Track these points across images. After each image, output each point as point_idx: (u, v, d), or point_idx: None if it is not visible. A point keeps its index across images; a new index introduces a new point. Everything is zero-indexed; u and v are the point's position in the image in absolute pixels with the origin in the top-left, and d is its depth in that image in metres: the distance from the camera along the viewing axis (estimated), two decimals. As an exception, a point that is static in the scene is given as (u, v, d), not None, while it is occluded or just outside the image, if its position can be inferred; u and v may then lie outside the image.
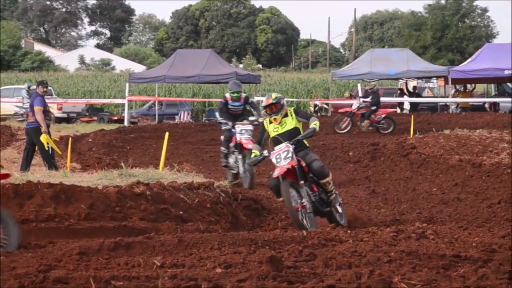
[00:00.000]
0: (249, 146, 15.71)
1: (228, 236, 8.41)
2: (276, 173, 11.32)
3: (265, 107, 11.91)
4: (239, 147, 16.51)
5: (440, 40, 67.46)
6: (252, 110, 17.50)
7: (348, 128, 28.12)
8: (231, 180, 15.97)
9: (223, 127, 17.02)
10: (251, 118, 17.16)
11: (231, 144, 16.81)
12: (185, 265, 7.08)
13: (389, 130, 27.84)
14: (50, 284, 6.27)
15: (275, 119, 11.73)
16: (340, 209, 11.84)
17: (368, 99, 28.52)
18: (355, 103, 28.88)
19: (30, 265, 7.05)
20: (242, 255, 7.44)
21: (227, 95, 17.01)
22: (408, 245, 8.18)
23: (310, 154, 11.59)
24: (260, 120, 16.07)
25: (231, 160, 16.92)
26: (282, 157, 11.33)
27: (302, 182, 11.30)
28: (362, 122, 28.31)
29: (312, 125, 11.51)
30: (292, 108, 12.07)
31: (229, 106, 16.97)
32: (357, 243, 8.29)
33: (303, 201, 11.18)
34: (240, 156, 16.54)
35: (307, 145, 11.78)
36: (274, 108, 11.83)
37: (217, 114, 16.30)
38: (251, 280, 6.41)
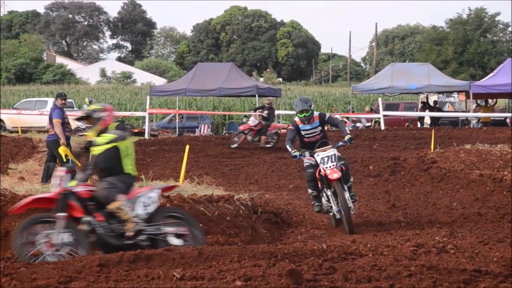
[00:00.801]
0: (335, 176, 12.51)
1: (248, 249, 8.41)
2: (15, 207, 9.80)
3: (78, 119, 10.68)
4: (326, 180, 12.81)
5: (462, 55, 67.26)
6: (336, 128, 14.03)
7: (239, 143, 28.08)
8: (336, 226, 13.02)
9: (305, 163, 13.14)
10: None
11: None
12: (205, 277, 7.08)
13: (273, 144, 28.30)
14: (71, 295, 6.30)
15: (85, 135, 10.36)
16: (174, 241, 10.00)
17: (265, 114, 28.80)
18: (252, 119, 28.60)
19: (51, 277, 7.08)
20: (262, 268, 7.44)
21: (296, 118, 13.15)
22: (429, 259, 8.15)
23: (105, 180, 10.05)
24: (347, 138, 12.88)
25: (324, 200, 13.11)
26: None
27: (59, 214, 9.46)
28: (255, 137, 28.23)
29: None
30: (117, 123, 10.47)
31: (303, 133, 13.19)
32: (377, 257, 8.27)
33: (52, 238, 9.37)
34: (329, 192, 12.85)
35: (123, 169, 10.35)
36: (89, 122, 10.37)
37: (287, 146, 13.11)
38: (271, 293, 6.41)
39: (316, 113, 13.17)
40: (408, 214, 14.27)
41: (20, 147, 27.01)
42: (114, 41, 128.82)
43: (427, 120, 41.38)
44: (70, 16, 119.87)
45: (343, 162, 12.92)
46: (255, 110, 30.37)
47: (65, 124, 17.16)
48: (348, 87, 69.38)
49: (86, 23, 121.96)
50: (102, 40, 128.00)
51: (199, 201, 12.18)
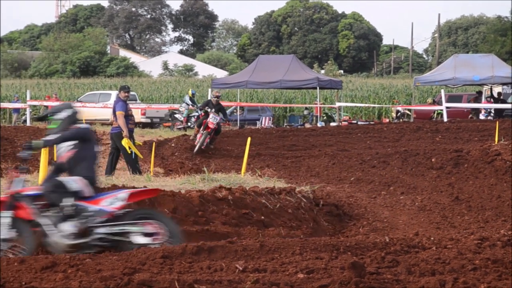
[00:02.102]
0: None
1: (310, 242, 8.40)
2: None
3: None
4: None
5: (527, 45, 66.08)
6: None
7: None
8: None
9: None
10: None
11: None
12: (267, 270, 7.10)
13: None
14: (135, 286, 6.37)
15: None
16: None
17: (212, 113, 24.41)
18: (213, 116, 24.09)
19: (115, 268, 7.17)
20: (324, 260, 7.43)
21: None
22: (494, 253, 8.04)
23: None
24: None
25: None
26: None
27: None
28: (211, 142, 24.32)
29: None
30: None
31: None
32: (441, 250, 8.19)
33: None
34: None
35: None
36: None
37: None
38: (334, 285, 6.40)
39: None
40: (472, 207, 14.11)
41: (85, 139, 27.35)
42: (176, 34, 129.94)
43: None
44: (133, 9, 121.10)
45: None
46: (200, 108, 26.09)
47: (128, 116, 17.29)
48: (410, 78, 68.79)
49: (149, 16, 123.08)
50: (164, 33, 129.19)
51: (261, 193, 12.21)
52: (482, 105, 40.39)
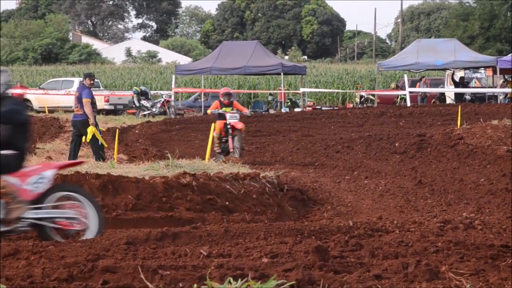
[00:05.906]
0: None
1: (274, 226, 8.42)
2: None
3: None
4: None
5: (488, 30, 66.50)
6: None
7: None
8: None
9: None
10: None
11: None
12: (232, 255, 7.10)
13: None
14: (99, 273, 6.32)
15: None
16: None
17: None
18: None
19: (79, 255, 7.12)
20: (288, 245, 7.44)
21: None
22: (456, 235, 8.12)
23: None
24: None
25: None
26: None
27: None
28: None
29: None
30: None
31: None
32: (404, 233, 8.25)
33: None
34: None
35: None
36: None
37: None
38: (297, 269, 6.40)
39: None
40: (435, 191, 14.22)
41: (47, 127, 27.19)
42: (139, 20, 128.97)
43: (452, 96, 41.08)
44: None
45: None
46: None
47: (92, 104, 17.18)
48: (373, 64, 69.04)
49: (111, 2, 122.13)
50: (127, 20, 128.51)
51: (225, 179, 12.21)
52: (444, 89, 40.72)
